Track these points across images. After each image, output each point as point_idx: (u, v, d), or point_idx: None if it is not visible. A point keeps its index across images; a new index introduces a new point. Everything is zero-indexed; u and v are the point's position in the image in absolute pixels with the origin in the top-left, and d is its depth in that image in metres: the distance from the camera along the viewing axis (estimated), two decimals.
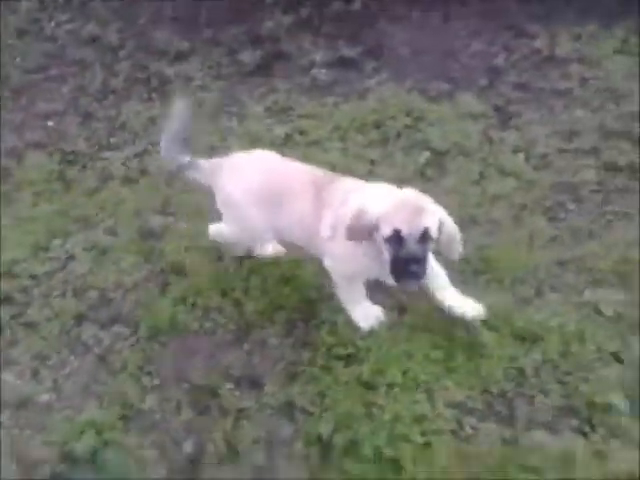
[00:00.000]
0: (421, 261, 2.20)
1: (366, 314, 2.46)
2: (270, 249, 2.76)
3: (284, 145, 3.14)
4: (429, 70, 3.72)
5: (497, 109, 3.37)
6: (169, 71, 3.72)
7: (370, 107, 3.39)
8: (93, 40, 4.00)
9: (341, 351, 2.23)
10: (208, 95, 3.56)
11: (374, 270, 2.37)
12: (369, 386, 2.11)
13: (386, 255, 2.24)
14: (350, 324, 2.36)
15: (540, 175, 2.93)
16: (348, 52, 3.93)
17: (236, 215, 2.60)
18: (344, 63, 3.84)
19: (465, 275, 2.47)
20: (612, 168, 2.97)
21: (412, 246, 2.19)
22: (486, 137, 3.16)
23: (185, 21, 4.23)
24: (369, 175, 2.74)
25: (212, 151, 2.90)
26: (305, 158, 2.68)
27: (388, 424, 2.02)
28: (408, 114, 3.32)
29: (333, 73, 3.74)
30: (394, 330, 2.32)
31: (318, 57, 3.86)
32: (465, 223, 2.53)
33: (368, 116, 3.31)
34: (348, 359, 2.20)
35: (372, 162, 3.00)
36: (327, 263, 2.45)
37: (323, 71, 3.77)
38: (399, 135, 3.19)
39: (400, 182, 2.49)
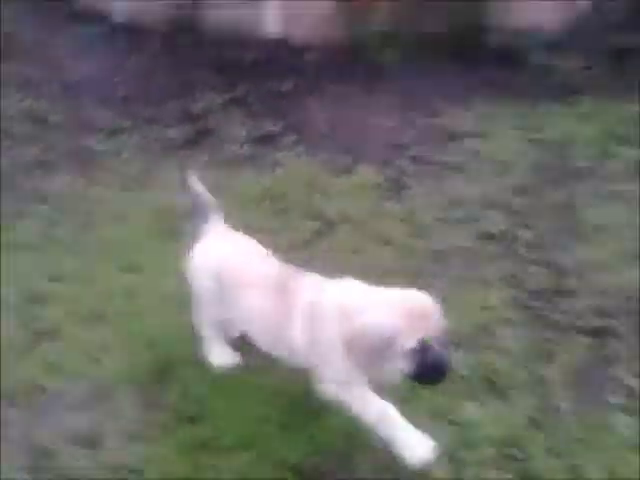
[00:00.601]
0: (449, 361, 2.13)
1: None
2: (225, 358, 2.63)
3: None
4: (339, 145, 4.06)
5: (391, 181, 3.69)
6: (100, 147, 4.07)
7: (277, 180, 3.72)
8: (39, 118, 4.38)
9: (188, 412, 2.38)
10: (132, 169, 3.91)
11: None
12: (207, 447, 2.25)
13: (405, 366, 2.12)
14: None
15: (417, 243, 3.22)
16: (271, 128, 4.31)
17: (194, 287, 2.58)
18: (265, 139, 4.20)
19: None
20: (485, 237, 3.26)
21: (440, 352, 2.09)
22: (376, 208, 3.47)
23: (130, 100, 4.62)
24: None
25: None
26: None
27: None
28: (309, 186, 3.65)
29: (253, 148, 4.10)
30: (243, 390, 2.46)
31: (242, 133, 4.23)
32: None
33: (273, 188, 3.64)
34: (192, 420, 2.36)
35: (267, 231, 3.28)
36: (314, 368, 2.31)
37: (245, 146, 4.13)
38: (297, 206, 3.50)
39: (289, 250, 2.77)
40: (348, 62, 4.80)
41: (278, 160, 3.93)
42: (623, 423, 2.28)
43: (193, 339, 2.57)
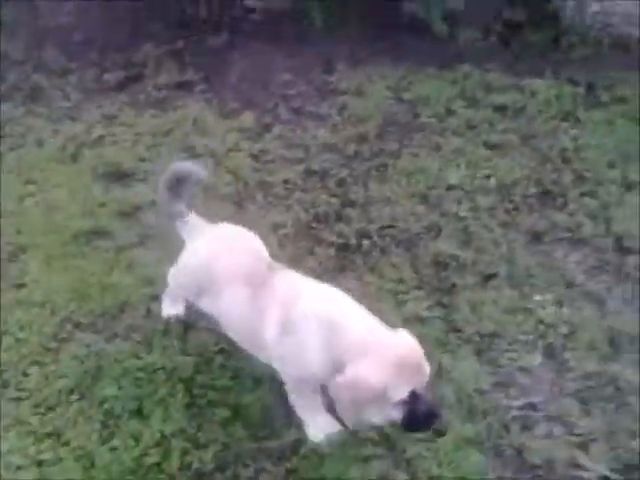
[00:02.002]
0: (439, 409, 2.23)
1: (322, 424, 2.45)
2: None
3: (97, 143, 4.32)
4: (237, 93, 4.81)
5: (263, 126, 4.43)
6: (46, 83, 4.97)
7: (172, 120, 4.53)
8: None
9: None
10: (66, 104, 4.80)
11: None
12: None
13: (394, 415, 2.18)
14: None
15: (257, 176, 3.97)
16: (191, 77, 5.08)
17: (179, 272, 2.73)
18: (182, 85, 4.98)
19: None
20: (309, 174, 3.96)
21: (428, 400, 2.16)
22: (238, 146, 4.23)
23: (83, 44, 5.48)
24: None
25: None
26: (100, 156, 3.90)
27: None
28: (194, 125, 4.43)
29: (168, 93, 4.90)
30: None
31: (165, 80, 5.04)
32: None
33: (165, 126, 4.45)
34: None
35: (143, 159, 4.12)
36: (276, 365, 2.41)
37: (163, 91, 4.93)
38: (174, 141, 4.28)
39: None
40: (281, 25, 5.53)
41: (183, 104, 4.75)
42: None
43: None
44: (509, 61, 4.85)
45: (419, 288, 3.04)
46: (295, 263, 3.19)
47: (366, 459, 2.43)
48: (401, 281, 3.10)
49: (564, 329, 2.76)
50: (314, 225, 3.51)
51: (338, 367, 2.18)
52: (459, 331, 2.85)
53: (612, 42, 4.83)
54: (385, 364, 2.11)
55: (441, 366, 2.66)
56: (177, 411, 2.58)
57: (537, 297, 2.90)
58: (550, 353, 2.74)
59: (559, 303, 2.87)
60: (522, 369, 2.70)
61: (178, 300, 2.88)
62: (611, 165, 3.70)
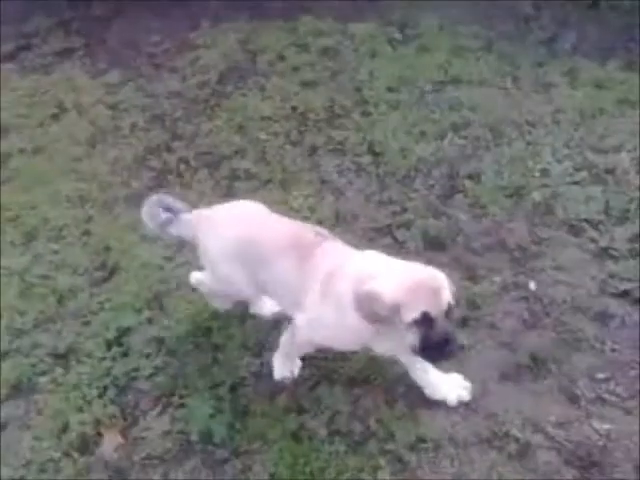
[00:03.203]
0: (454, 338, 2.28)
1: (286, 365, 2.72)
2: (266, 309, 2.97)
3: None
4: (109, 55, 5.58)
5: (126, 81, 5.20)
6: None
7: (50, 82, 5.31)
8: None
9: None
10: None
11: (363, 342, 2.46)
12: None
13: (411, 338, 2.26)
14: None
15: (107, 118, 4.78)
16: (73, 44, 5.85)
17: (216, 270, 2.72)
18: (64, 52, 5.75)
19: None
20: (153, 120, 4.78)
21: (443, 326, 2.23)
22: (104, 100, 5.03)
23: None
24: None
25: None
26: None
27: None
28: (67, 84, 5.22)
29: (52, 59, 5.67)
30: None
31: (49, 48, 5.80)
32: None
33: (43, 87, 5.24)
34: None
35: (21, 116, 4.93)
36: (300, 323, 2.51)
37: (48, 57, 5.70)
38: (46, 97, 5.06)
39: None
40: None
41: (62, 68, 5.52)
42: None
43: None
44: (343, 7, 5.61)
45: (212, 196, 3.88)
46: (128, 186, 4.08)
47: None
48: (203, 194, 3.94)
49: (307, 213, 3.61)
50: (147, 157, 4.34)
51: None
52: None
53: None
54: (401, 283, 2.24)
55: None
56: None
57: (295, 193, 3.75)
58: None
59: (309, 196, 3.72)
60: None
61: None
62: (390, 90, 4.50)
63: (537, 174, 3.68)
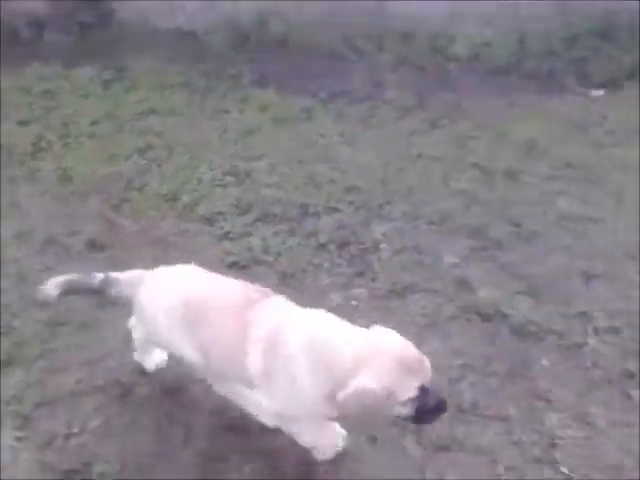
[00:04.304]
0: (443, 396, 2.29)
1: (328, 443, 2.53)
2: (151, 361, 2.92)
3: None
4: None
5: None
6: None
7: None
8: None
9: None
10: None
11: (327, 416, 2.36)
12: None
13: (404, 412, 2.23)
14: None
15: None
16: None
17: (150, 330, 2.69)
18: None
19: None
20: None
21: (435, 390, 2.24)
22: None
23: None
24: None
25: None
26: None
27: None
28: None
29: None
30: None
31: None
32: None
33: None
34: None
35: None
36: (267, 403, 2.39)
37: None
38: None
39: None
40: None
41: None
42: None
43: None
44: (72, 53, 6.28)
45: None
46: None
47: None
48: None
49: None
50: None
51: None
52: None
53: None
54: (385, 368, 2.16)
55: None
56: None
57: None
58: None
59: None
60: None
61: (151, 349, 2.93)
62: (93, 123, 5.22)
63: (193, 182, 4.49)
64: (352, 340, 2.28)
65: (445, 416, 2.56)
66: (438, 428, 2.77)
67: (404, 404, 2.22)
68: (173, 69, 5.90)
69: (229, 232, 4.04)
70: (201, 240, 4.02)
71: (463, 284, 3.59)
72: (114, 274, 2.79)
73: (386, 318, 3.42)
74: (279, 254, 3.86)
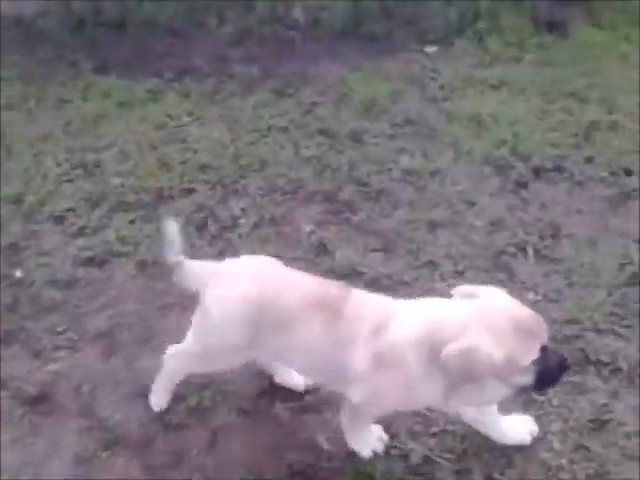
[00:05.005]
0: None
1: (371, 441, 2.50)
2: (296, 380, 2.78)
3: None
4: None
5: None
6: None
7: None
8: None
9: None
10: None
11: (430, 401, 2.24)
12: None
13: (524, 379, 2.06)
14: None
15: None
16: None
17: (212, 332, 2.42)
18: None
19: None
20: None
21: (553, 348, 2.09)
22: None
23: None
24: None
25: None
26: None
27: None
28: None
29: None
30: None
31: None
32: None
33: None
34: None
35: None
36: (358, 399, 2.26)
37: None
38: None
39: None
40: None
41: None
42: None
43: None
44: None
45: None
46: None
47: None
48: None
49: None
50: None
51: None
52: None
53: None
54: (501, 331, 1.97)
55: None
56: None
57: None
58: None
59: None
60: None
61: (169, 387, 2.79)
62: None
63: (38, 180, 4.30)
64: (461, 313, 2.07)
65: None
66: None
67: (524, 371, 2.03)
68: (2, 60, 5.53)
69: (83, 227, 3.93)
70: (53, 240, 3.89)
71: (321, 249, 3.75)
72: (187, 260, 2.60)
73: None
74: (137, 243, 3.83)
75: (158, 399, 2.83)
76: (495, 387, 2.06)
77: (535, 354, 2.02)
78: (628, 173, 4.08)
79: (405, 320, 2.17)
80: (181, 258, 2.60)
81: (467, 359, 1.96)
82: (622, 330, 3.11)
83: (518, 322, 2.01)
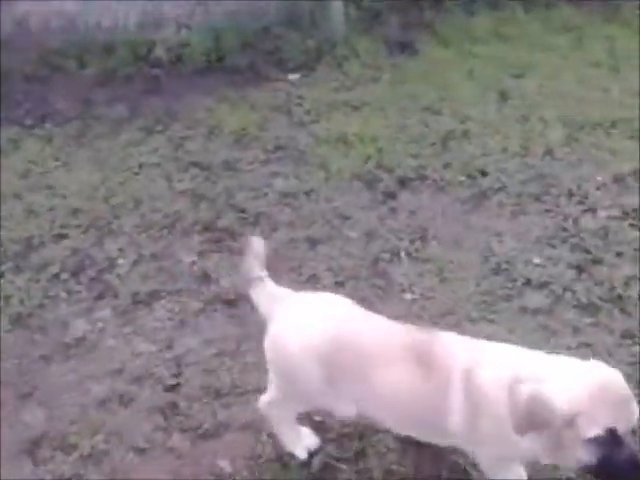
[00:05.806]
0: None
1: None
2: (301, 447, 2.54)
3: None
4: None
5: None
6: None
7: None
8: None
9: None
10: None
11: (534, 453, 2.01)
12: None
13: (585, 457, 1.84)
14: None
15: None
16: None
17: (287, 373, 2.27)
18: None
19: None
20: None
21: (630, 447, 1.80)
22: None
23: None
24: None
25: None
26: None
27: None
28: None
29: None
30: None
31: None
32: None
33: None
34: None
35: None
36: (472, 449, 2.13)
37: None
38: None
39: None
40: None
41: None
42: None
43: None
44: None
45: None
46: None
47: None
48: None
49: None
50: None
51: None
52: None
53: None
54: (578, 387, 1.81)
55: None
56: None
57: None
58: None
59: None
60: None
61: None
62: None
63: None
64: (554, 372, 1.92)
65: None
66: (201, 419, 2.92)
67: (585, 444, 1.84)
68: None
69: None
70: None
71: (204, 278, 3.76)
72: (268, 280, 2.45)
73: (137, 330, 3.49)
74: (9, 296, 3.66)
75: (295, 448, 2.60)
76: (552, 445, 1.90)
77: (598, 430, 1.82)
78: (484, 174, 4.43)
79: (504, 373, 2.01)
80: (264, 275, 2.46)
81: (531, 403, 1.85)
82: (493, 316, 3.37)
83: (601, 387, 1.86)
